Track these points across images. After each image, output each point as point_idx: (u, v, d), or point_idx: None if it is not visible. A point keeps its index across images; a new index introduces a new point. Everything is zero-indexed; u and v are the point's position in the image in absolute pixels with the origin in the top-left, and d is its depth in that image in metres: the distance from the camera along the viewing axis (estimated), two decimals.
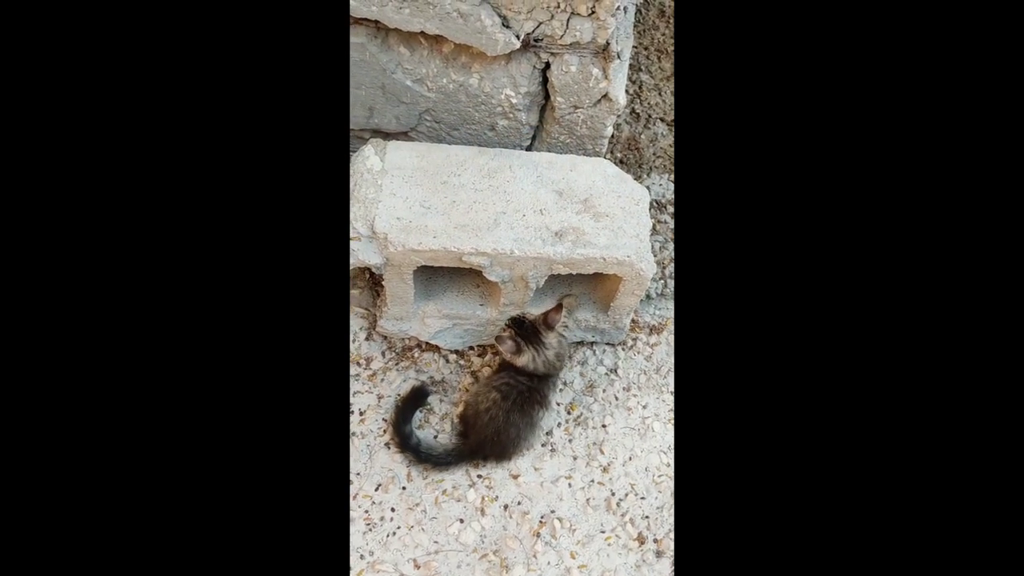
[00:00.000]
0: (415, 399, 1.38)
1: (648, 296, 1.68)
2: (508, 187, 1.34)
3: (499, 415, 1.26)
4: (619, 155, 1.93)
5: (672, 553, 1.27)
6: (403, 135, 1.56)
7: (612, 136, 1.94)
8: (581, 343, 1.57)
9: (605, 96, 1.43)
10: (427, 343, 1.50)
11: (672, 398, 1.51)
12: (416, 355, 1.50)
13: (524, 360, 1.28)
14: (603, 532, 1.30)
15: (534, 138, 1.56)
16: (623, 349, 1.59)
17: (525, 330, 1.29)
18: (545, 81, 1.44)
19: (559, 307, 1.32)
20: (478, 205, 1.29)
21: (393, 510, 1.27)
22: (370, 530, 1.24)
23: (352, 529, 1.24)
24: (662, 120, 2.00)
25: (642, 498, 1.35)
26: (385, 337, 1.49)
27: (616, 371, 1.55)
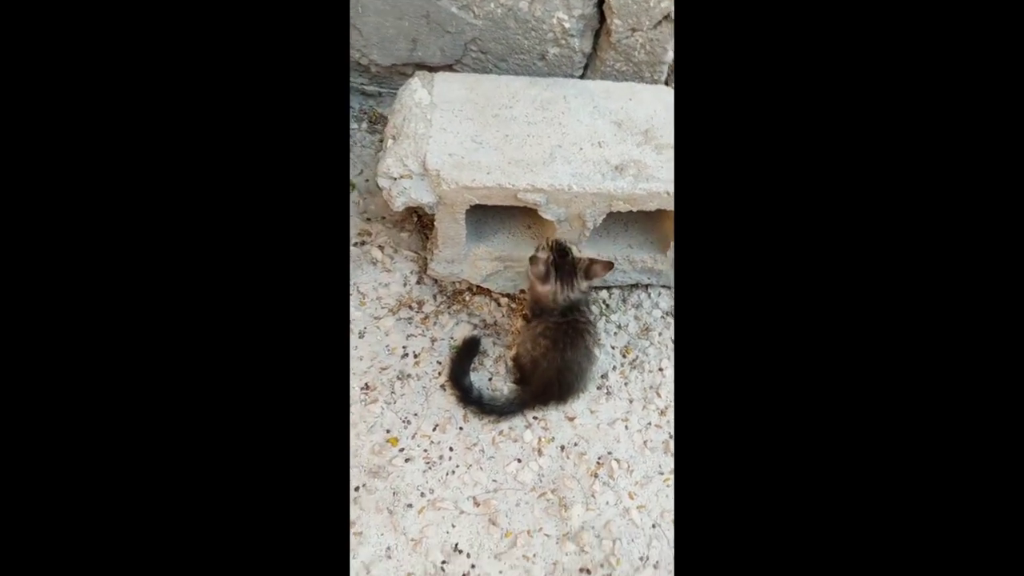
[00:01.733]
0: (469, 351, 1.36)
1: None
2: (563, 119, 1.26)
3: (557, 357, 1.24)
4: (672, 86, 1.80)
5: None
6: (447, 68, 1.48)
7: (669, 65, 1.80)
8: (636, 286, 1.52)
9: (667, 17, 1.32)
10: (478, 286, 1.47)
11: None
12: (467, 298, 1.48)
13: (545, 289, 1.20)
14: (661, 474, 1.28)
15: (586, 67, 1.47)
16: None
17: (565, 263, 1.19)
18: (601, 2, 1.33)
19: (609, 264, 1.23)
20: (532, 139, 1.22)
21: (451, 449, 1.29)
22: (429, 468, 1.26)
23: (412, 467, 1.26)
24: None
25: None
26: (436, 280, 1.47)
27: (672, 314, 1.50)
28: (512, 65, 1.45)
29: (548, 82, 1.32)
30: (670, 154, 1.23)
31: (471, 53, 1.45)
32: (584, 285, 1.24)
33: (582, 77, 1.47)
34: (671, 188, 1.19)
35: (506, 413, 1.30)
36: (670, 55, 1.40)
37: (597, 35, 1.41)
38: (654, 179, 1.19)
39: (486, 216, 1.40)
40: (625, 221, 1.42)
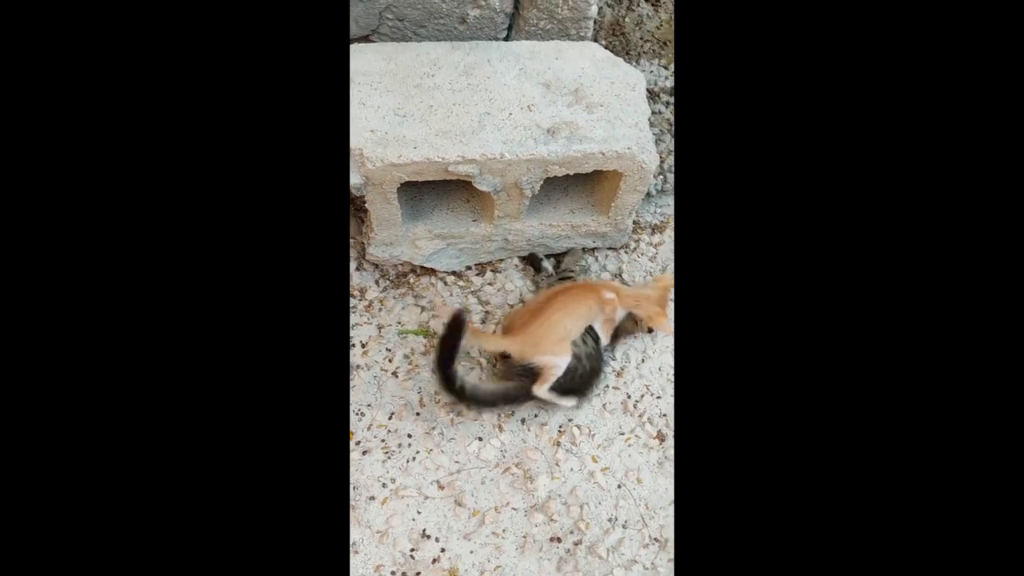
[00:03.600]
0: (454, 334, 1.15)
1: (648, 194, 1.59)
2: (489, 84, 1.20)
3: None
4: (604, 42, 1.76)
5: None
6: (363, 40, 1.39)
7: (594, 21, 1.76)
8: (583, 250, 1.50)
9: None
10: (422, 267, 1.42)
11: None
12: (412, 281, 1.43)
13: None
14: (622, 434, 1.29)
15: (510, 28, 1.40)
16: (626, 252, 1.53)
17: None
18: None
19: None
20: (458, 107, 1.16)
21: (410, 436, 1.26)
22: (389, 458, 1.23)
23: (370, 459, 1.22)
24: (646, 0, 1.82)
25: (658, 397, 1.34)
26: (376, 265, 1.41)
27: (621, 275, 1.50)
28: (432, 31, 1.38)
29: (470, 46, 1.26)
30: (602, 112, 1.20)
31: (387, 21, 1.36)
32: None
33: (507, 39, 1.41)
34: (606, 147, 1.16)
35: (486, 406, 1.23)
36: (594, 9, 1.36)
37: None
38: (588, 140, 1.16)
39: (421, 193, 1.34)
40: (564, 186, 1.39)
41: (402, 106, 1.16)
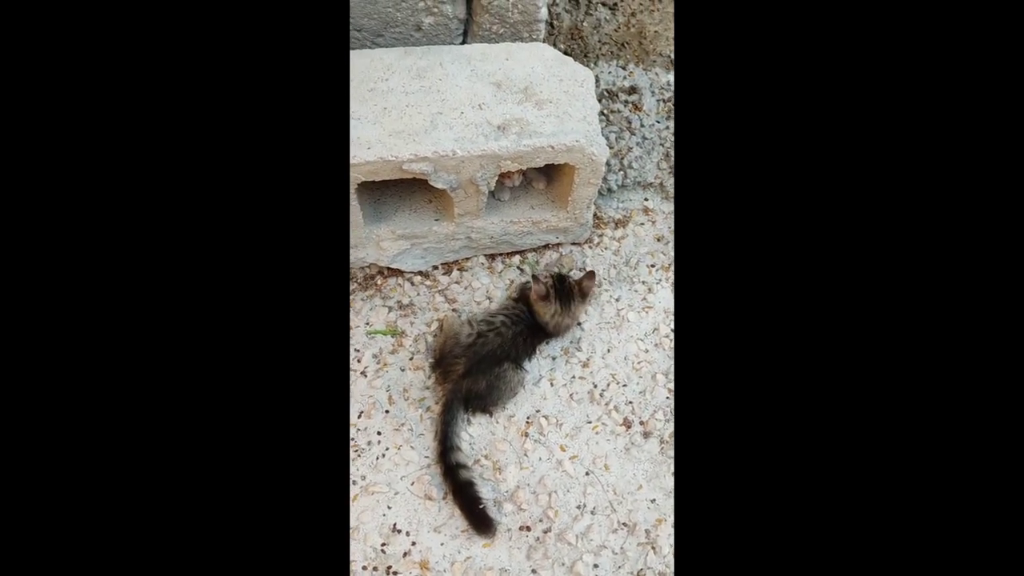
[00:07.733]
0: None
1: (609, 189, 1.63)
2: (441, 86, 1.24)
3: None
4: (563, 46, 1.81)
5: (659, 432, 1.30)
6: None
7: (553, 26, 1.81)
8: (546, 247, 1.53)
9: None
10: (388, 268, 1.45)
11: (644, 288, 1.50)
12: (379, 282, 1.46)
13: (550, 311, 1.31)
14: (589, 422, 1.31)
15: (465, 33, 1.45)
16: (590, 247, 1.56)
17: (564, 288, 1.31)
18: None
19: (592, 274, 1.34)
20: (411, 109, 1.20)
21: (379, 433, 1.27)
22: (358, 456, 1.24)
23: None
24: (603, 4, 1.88)
25: (624, 385, 1.36)
26: None
27: (585, 269, 1.53)
28: (389, 40, 1.42)
29: (423, 51, 1.31)
30: (551, 108, 1.24)
31: None
32: (578, 310, 1.35)
33: (463, 44, 1.45)
34: (555, 141, 1.20)
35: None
36: (543, 12, 1.40)
37: (469, 0, 1.40)
38: (537, 134, 1.20)
39: (384, 195, 1.37)
40: (523, 184, 1.42)
41: (356, 110, 1.20)
